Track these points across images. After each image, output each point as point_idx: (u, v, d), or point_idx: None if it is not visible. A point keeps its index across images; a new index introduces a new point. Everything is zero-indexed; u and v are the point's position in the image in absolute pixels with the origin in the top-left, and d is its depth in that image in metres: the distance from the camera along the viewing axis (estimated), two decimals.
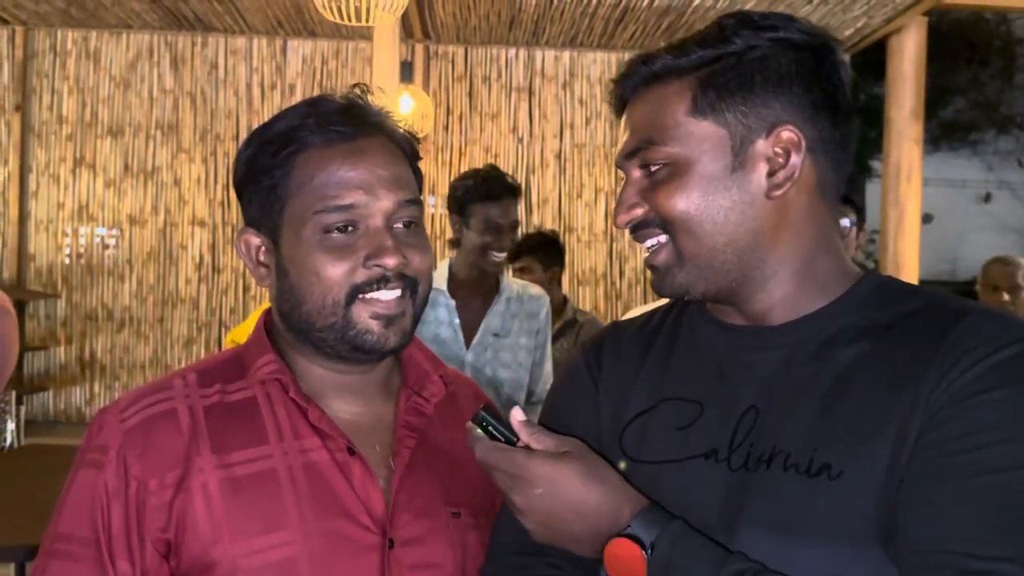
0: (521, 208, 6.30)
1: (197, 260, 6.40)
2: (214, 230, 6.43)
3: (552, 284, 3.72)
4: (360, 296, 1.00)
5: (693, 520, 0.86)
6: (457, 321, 2.69)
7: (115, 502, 0.97)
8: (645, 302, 5.26)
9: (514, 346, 2.72)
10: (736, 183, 0.88)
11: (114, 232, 6.39)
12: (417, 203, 1.05)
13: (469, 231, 2.64)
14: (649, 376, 0.98)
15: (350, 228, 0.99)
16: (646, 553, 0.83)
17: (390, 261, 0.99)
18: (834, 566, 0.80)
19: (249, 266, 1.07)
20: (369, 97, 1.06)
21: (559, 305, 3.72)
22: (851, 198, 1.98)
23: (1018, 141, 16.70)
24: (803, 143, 0.87)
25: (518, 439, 0.91)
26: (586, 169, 6.48)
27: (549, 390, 1.11)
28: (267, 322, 1.11)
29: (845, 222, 1.96)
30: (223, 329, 6.37)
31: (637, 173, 0.92)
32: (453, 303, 2.70)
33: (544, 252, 3.80)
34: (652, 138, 0.90)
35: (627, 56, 6.35)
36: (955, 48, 14.05)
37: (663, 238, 0.91)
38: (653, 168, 0.90)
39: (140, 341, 6.39)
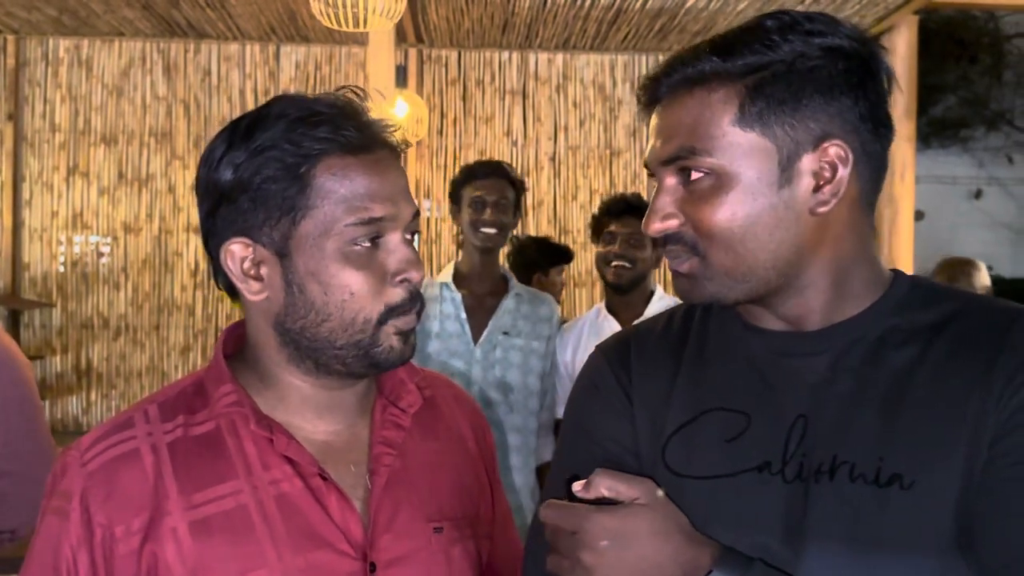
0: None
1: (192, 267, 6.38)
2: None
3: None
4: (391, 317, 0.97)
5: (752, 537, 0.83)
6: (464, 315, 2.66)
7: (81, 551, 0.93)
8: None
9: (524, 348, 2.67)
10: (783, 200, 0.84)
11: (108, 240, 6.36)
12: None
13: (461, 215, 2.69)
14: (686, 386, 0.94)
15: (375, 240, 0.97)
16: None
17: (416, 275, 0.97)
18: None
19: (232, 278, 1.01)
20: (368, 102, 1.02)
21: None
22: None
23: (1008, 137, 16.77)
24: (850, 157, 0.84)
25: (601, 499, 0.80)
26: (580, 171, 6.49)
27: (569, 399, 1.05)
28: (227, 342, 1.05)
29: None
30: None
31: (672, 180, 0.87)
32: (459, 296, 2.67)
33: None
34: (695, 147, 0.84)
35: (620, 58, 6.38)
36: (944, 46, 14.11)
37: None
38: (692, 177, 0.85)
39: (136, 349, 6.37)
